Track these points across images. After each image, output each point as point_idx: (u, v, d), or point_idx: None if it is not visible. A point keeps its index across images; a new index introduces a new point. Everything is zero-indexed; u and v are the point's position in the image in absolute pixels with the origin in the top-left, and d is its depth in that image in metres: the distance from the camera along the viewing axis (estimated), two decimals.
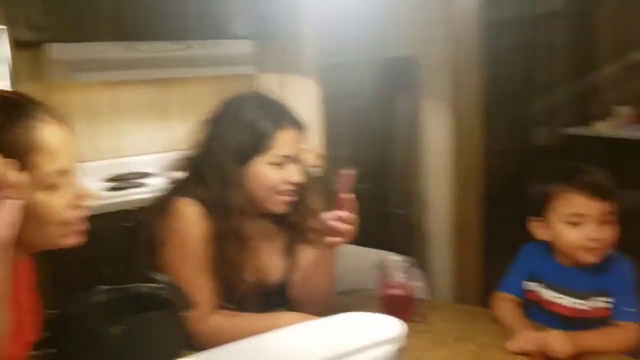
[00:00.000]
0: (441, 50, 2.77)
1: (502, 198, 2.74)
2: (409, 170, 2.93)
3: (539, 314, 1.52)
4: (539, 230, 1.52)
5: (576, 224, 1.42)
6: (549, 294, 1.50)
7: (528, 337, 1.33)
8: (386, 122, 2.93)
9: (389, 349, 0.88)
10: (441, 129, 2.85)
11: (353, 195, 1.40)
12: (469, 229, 2.86)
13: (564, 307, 1.47)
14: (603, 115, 4.45)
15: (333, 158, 2.22)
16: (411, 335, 1.41)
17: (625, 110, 4.39)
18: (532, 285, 1.54)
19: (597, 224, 1.41)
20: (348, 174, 1.40)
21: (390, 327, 0.92)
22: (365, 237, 1.43)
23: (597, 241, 1.41)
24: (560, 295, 1.48)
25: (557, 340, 1.30)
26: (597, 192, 1.41)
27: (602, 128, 4.36)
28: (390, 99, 2.91)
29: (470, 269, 2.86)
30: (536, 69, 4.42)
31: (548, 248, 1.53)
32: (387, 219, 2.95)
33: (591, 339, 1.35)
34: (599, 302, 1.44)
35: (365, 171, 2.93)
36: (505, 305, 1.53)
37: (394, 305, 1.47)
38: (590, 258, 1.43)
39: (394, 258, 1.59)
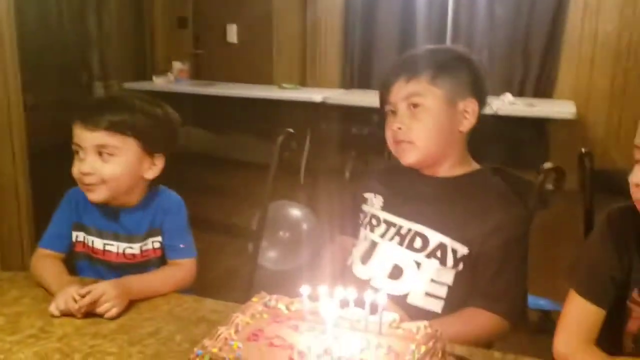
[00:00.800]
0: None
1: (55, 152, 2.47)
2: None
3: (90, 267, 1.34)
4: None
5: (81, 159, 1.27)
6: (98, 243, 1.33)
7: (70, 294, 1.11)
8: None
9: None
10: None
11: None
12: (11, 189, 2.51)
13: (115, 254, 1.33)
14: (164, 71, 4.56)
15: None
16: None
17: (178, 66, 4.57)
18: (79, 236, 1.34)
19: (94, 156, 1.27)
20: None
21: None
22: None
23: (92, 176, 1.26)
24: (110, 242, 1.33)
25: (104, 291, 1.12)
26: (90, 123, 1.26)
27: (160, 82, 4.44)
28: None
29: (15, 232, 2.53)
30: (90, 21, 4.22)
31: None
32: None
33: (139, 282, 1.23)
34: (151, 243, 1.33)
35: None
36: (44, 263, 1.29)
37: None
38: (91, 196, 1.29)
39: None
